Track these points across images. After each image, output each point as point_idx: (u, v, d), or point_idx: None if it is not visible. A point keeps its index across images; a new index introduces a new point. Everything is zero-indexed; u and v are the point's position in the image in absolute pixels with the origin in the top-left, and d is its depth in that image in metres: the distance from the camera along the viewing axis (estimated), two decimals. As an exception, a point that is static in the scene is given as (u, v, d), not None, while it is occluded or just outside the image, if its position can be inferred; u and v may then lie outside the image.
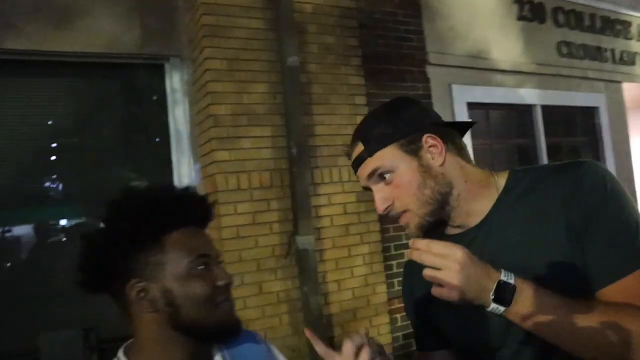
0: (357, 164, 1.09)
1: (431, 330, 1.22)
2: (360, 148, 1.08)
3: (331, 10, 3.30)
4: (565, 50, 4.91)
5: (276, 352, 1.19)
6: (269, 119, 3.03)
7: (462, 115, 4.02)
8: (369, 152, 1.06)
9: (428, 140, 1.05)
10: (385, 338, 3.30)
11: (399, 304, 3.45)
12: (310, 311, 2.93)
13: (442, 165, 1.05)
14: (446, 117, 3.99)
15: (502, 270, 0.90)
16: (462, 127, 1.17)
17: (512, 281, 0.88)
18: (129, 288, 0.98)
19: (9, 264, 2.94)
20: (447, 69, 3.98)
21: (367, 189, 1.11)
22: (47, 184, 3.04)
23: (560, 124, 5.04)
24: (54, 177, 3.04)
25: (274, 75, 3.06)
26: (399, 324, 3.44)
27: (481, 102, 4.25)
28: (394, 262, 3.48)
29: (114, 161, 3.14)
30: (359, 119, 3.57)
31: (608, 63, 5.29)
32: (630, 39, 5.57)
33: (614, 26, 5.42)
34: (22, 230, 2.91)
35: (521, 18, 4.63)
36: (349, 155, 1.13)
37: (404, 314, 3.56)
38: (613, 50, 5.35)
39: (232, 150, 2.90)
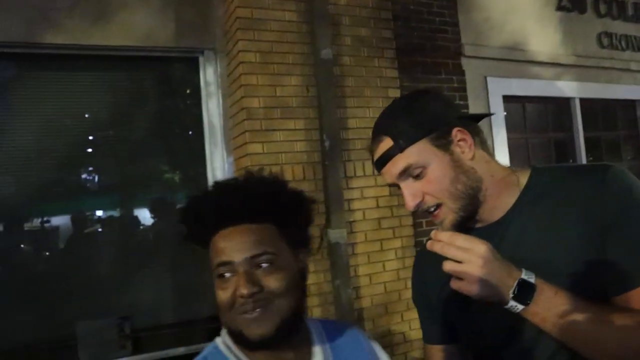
0: (384, 160, 1.06)
1: (439, 323, 1.21)
2: (387, 143, 1.05)
3: (365, 2, 3.26)
4: (606, 41, 4.76)
5: (378, 349, 1.17)
6: (301, 112, 3.02)
7: (498, 108, 3.94)
8: (399, 148, 1.03)
9: (457, 133, 1.04)
10: (416, 333, 3.27)
11: (431, 299, 3.41)
12: (342, 304, 2.93)
13: (472, 159, 1.05)
14: (481, 110, 3.91)
15: (523, 269, 0.90)
16: (478, 119, 1.15)
17: (532, 280, 0.88)
18: None
19: (47, 254, 3.02)
20: (482, 60, 3.90)
21: (393, 186, 1.09)
22: (84, 176, 3.10)
23: (600, 117, 4.89)
24: (91, 168, 3.10)
25: (307, 68, 3.05)
26: (431, 319, 3.40)
27: (517, 95, 4.15)
28: (426, 257, 3.43)
29: (149, 153, 3.18)
30: (393, 112, 3.51)
31: (651, 54, 5.10)
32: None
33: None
34: (60, 221, 2.98)
35: (560, 8, 4.50)
36: (371, 152, 1.10)
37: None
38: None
39: (265, 143, 2.91)
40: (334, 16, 3.14)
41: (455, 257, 0.88)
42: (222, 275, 0.95)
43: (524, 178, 1.08)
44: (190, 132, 3.31)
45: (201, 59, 3.24)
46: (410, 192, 1.05)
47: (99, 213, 3.08)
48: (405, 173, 1.04)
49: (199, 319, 3.03)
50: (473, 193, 1.03)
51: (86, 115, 3.09)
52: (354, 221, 3.11)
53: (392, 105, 1.13)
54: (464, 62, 3.80)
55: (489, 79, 3.94)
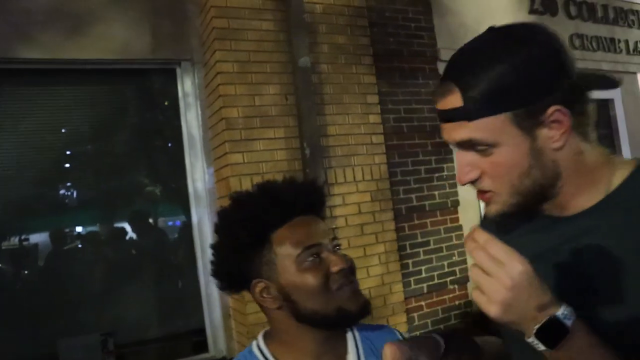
0: (446, 117, 0.83)
1: None
2: (455, 100, 0.81)
3: (341, 10, 3.29)
4: (577, 42, 4.86)
5: None
6: (281, 120, 3.02)
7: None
8: (468, 114, 0.80)
9: (555, 113, 0.78)
10: (403, 337, 3.28)
11: (415, 303, 3.43)
12: (327, 312, 2.92)
13: (559, 149, 0.81)
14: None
15: (563, 305, 0.72)
16: (600, 86, 0.87)
17: (568, 322, 0.71)
18: (253, 288, 1.04)
19: (26, 271, 2.97)
20: (458, 65, 3.95)
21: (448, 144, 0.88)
22: (63, 191, 3.07)
23: (575, 117, 4.96)
24: (69, 184, 3.07)
25: (285, 77, 3.06)
26: (416, 322, 3.42)
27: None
28: (410, 261, 3.46)
29: (128, 167, 3.16)
30: (372, 118, 3.56)
31: (622, 54, 5.22)
32: (644, 29, 5.49)
33: (627, 16, 5.34)
34: (39, 238, 2.94)
35: (532, 11, 4.59)
36: (435, 98, 0.85)
37: (421, 312, 3.55)
38: (627, 41, 5.28)
39: (246, 153, 2.90)
40: (311, 25, 3.16)
41: (484, 267, 0.73)
42: (315, 255, 1.01)
43: (621, 175, 0.84)
44: (169, 144, 3.30)
45: (179, 70, 3.23)
46: (466, 164, 0.84)
47: (79, 229, 3.05)
48: (467, 144, 0.83)
49: (183, 332, 3.01)
50: (540, 191, 0.84)
51: (63, 130, 3.06)
52: (336, 228, 3.11)
53: (482, 41, 0.83)
54: (441, 66, 3.84)
55: (465, 82, 3.98)
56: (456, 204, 3.72)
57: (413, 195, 3.54)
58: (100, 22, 2.95)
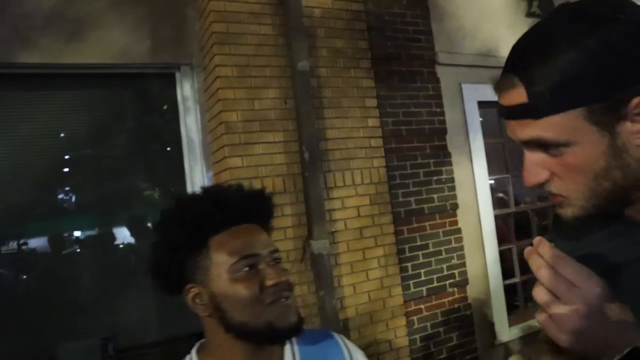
0: (510, 115, 0.73)
1: None
2: (518, 96, 0.70)
3: (339, 14, 3.30)
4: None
5: (358, 355, 1.16)
6: (280, 124, 3.03)
7: (473, 114, 4.00)
8: (535, 112, 0.69)
9: (639, 106, 0.65)
10: (402, 340, 3.28)
11: (415, 306, 3.43)
12: (327, 315, 2.93)
13: None
14: (457, 117, 3.98)
15: None
16: None
17: None
18: (186, 292, 1.01)
19: (25, 276, 2.96)
20: (456, 68, 3.96)
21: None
22: (62, 196, 3.06)
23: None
24: (68, 188, 3.07)
25: (284, 81, 3.06)
26: (416, 326, 3.42)
27: (492, 101, 4.18)
28: (409, 264, 3.46)
29: (127, 171, 3.16)
30: (371, 122, 3.59)
31: (619, 57, 5.23)
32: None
33: None
34: (38, 242, 2.93)
35: (530, 14, 4.59)
36: (497, 89, 0.74)
37: (421, 315, 3.55)
38: None
39: (245, 157, 2.91)
40: (310, 29, 3.17)
41: (552, 288, 0.63)
42: (251, 266, 0.98)
43: None
44: (168, 148, 3.30)
45: (178, 75, 3.24)
46: (535, 164, 0.74)
47: (78, 233, 3.04)
48: (535, 144, 0.73)
49: (182, 336, 3.00)
50: (621, 194, 0.71)
51: (62, 134, 3.06)
52: (335, 231, 3.12)
53: (550, 22, 0.70)
54: (439, 69, 3.86)
55: (463, 85, 4.00)
56: (455, 207, 3.73)
57: (412, 199, 3.54)
58: (99, 26, 2.95)
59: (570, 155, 0.69)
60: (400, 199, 3.48)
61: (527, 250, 0.66)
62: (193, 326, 3.00)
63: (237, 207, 1.02)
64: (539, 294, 0.64)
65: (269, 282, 0.97)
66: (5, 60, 2.75)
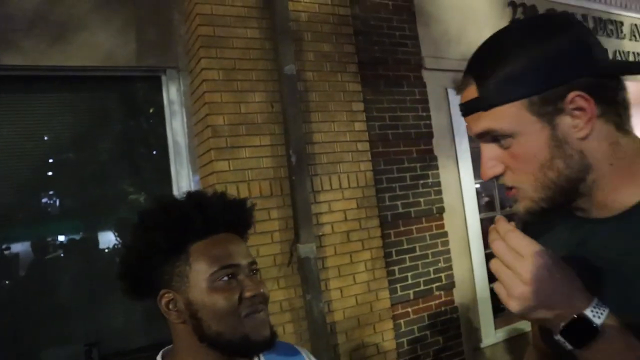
0: (466, 111, 0.83)
1: None
2: (471, 91, 0.80)
3: (326, 18, 3.31)
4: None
5: None
6: (267, 128, 3.03)
7: (460, 119, 4.01)
8: (484, 104, 0.78)
9: (575, 100, 0.74)
10: (389, 344, 3.28)
11: (402, 309, 3.44)
12: (314, 319, 2.92)
13: (584, 138, 0.75)
14: (444, 121, 3.99)
15: (595, 300, 0.67)
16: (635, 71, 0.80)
17: (598, 319, 0.65)
18: (160, 298, 0.99)
19: (7, 282, 2.92)
20: (442, 72, 3.98)
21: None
22: (45, 200, 3.03)
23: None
24: (52, 192, 3.03)
25: (271, 84, 3.06)
26: (403, 329, 3.42)
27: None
28: (396, 267, 3.47)
29: (112, 175, 3.12)
30: (357, 126, 3.59)
31: (602, 63, 5.30)
32: (623, 38, 5.59)
33: (606, 26, 5.44)
34: (21, 247, 2.89)
35: (515, 21, 4.65)
36: (457, 90, 0.85)
37: (408, 319, 3.56)
38: (605, 51, 5.35)
39: (231, 160, 2.90)
40: (296, 32, 3.17)
41: (503, 259, 0.69)
42: (230, 276, 0.97)
43: None
44: (154, 152, 3.27)
45: (164, 78, 3.22)
46: (491, 157, 0.81)
47: (62, 238, 3.01)
48: (488, 136, 0.81)
49: (168, 342, 2.98)
50: (568, 186, 0.77)
51: (46, 138, 3.03)
52: (322, 235, 3.12)
53: (502, 30, 0.81)
54: (425, 74, 3.88)
55: (449, 90, 4.03)
56: (441, 210, 3.75)
57: (399, 202, 3.55)
58: (84, 29, 2.93)
59: (517, 146, 0.77)
60: (387, 203, 3.49)
61: (490, 228, 0.73)
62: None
63: (219, 215, 1.01)
64: (492, 264, 0.70)
65: (247, 294, 0.96)
66: (-12, 62, 2.72)
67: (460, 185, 3.91)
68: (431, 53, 3.95)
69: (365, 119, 3.38)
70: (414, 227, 3.60)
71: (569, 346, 0.67)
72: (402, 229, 3.54)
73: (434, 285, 3.61)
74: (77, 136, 3.05)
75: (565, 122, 0.75)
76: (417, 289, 3.53)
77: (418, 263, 3.57)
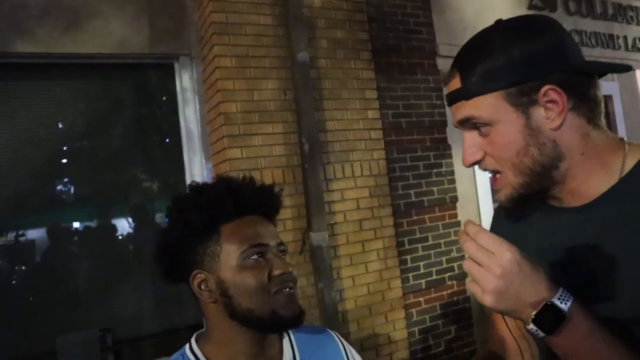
0: (451, 99, 0.90)
1: None
2: (455, 83, 0.88)
3: (340, 4, 3.27)
4: (576, 38, 4.84)
5: (353, 352, 1.20)
6: (280, 116, 3.01)
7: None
8: (465, 94, 0.85)
9: (548, 93, 0.81)
10: (401, 333, 3.28)
11: (414, 299, 3.43)
12: (326, 307, 2.92)
13: (557, 129, 0.82)
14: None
15: (560, 289, 0.73)
16: (602, 72, 0.88)
17: (565, 306, 0.72)
18: (192, 279, 1.03)
19: (24, 267, 2.95)
20: (457, 60, 3.93)
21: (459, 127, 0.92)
22: (60, 187, 3.05)
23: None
24: (66, 179, 3.05)
25: (284, 72, 3.04)
26: (415, 318, 3.42)
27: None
28: (408, 257, 3.45)
29: (126, 162, 3.14)
30: (371, 114, 3.56)
31: (620, 50, 5.21)
32: (643, 24, 5.49)
33: (626, 12, 5.33)
34: (36, 234, 2.92)
35: (531, 7, 4.57)
36: (444, 82, 0.97)
37: (419, 308, 3.55)
38: (625, 37, 5.27)
39: (244, 148, 2.89)
40: (309, 19, 3.14)
41: (474, 258, 0.75)
42: (259, 255, 1.01)
43: (633, 159, 0.83)
44: (167, 140, 3.28)
45: (177, 65, 3.22)
46: (472, 144, 0.88)
47: (76, 224, 3.03)
48: (468, 123, 0.87)
49: (181, 327, 3.00)
50: (542, 171, 0.84)
51: (60, 125, 3.04)
52: (335, 223, 3.11)
53: (487, 29, 0.89)
54: (439, 61, 3.83)
55: (464, 78, 3.97)
56: (455, 199, 3.72)
57: (411, 191, 3.53)
58: (97, 16, 2.93)
59: (495, 134, 0.84)
60: (400, 192, 3.47)
61: (460, 231, 0.79)
62: (191, 318, 3.02)
63: (249, 198, 1.06)
64: (466, 264, 0.76)
65: (276, 272, 1.01)
66: (1, 49, 2.73)
67: (474, 175, 3.88)
68: (446, 40, 3.89)
69: (378, 106, 3.35)
70: (426, 216, 3.58)
71: (540, 333, 0.72)
72: (414, 218, 3.52)
73: (446, 275, 3.60)
74: (90, 123, 3.06)
75: (539, 113, 0.82)
76: (429, 279, 3.52)
77: (430, 252, 3.55)
